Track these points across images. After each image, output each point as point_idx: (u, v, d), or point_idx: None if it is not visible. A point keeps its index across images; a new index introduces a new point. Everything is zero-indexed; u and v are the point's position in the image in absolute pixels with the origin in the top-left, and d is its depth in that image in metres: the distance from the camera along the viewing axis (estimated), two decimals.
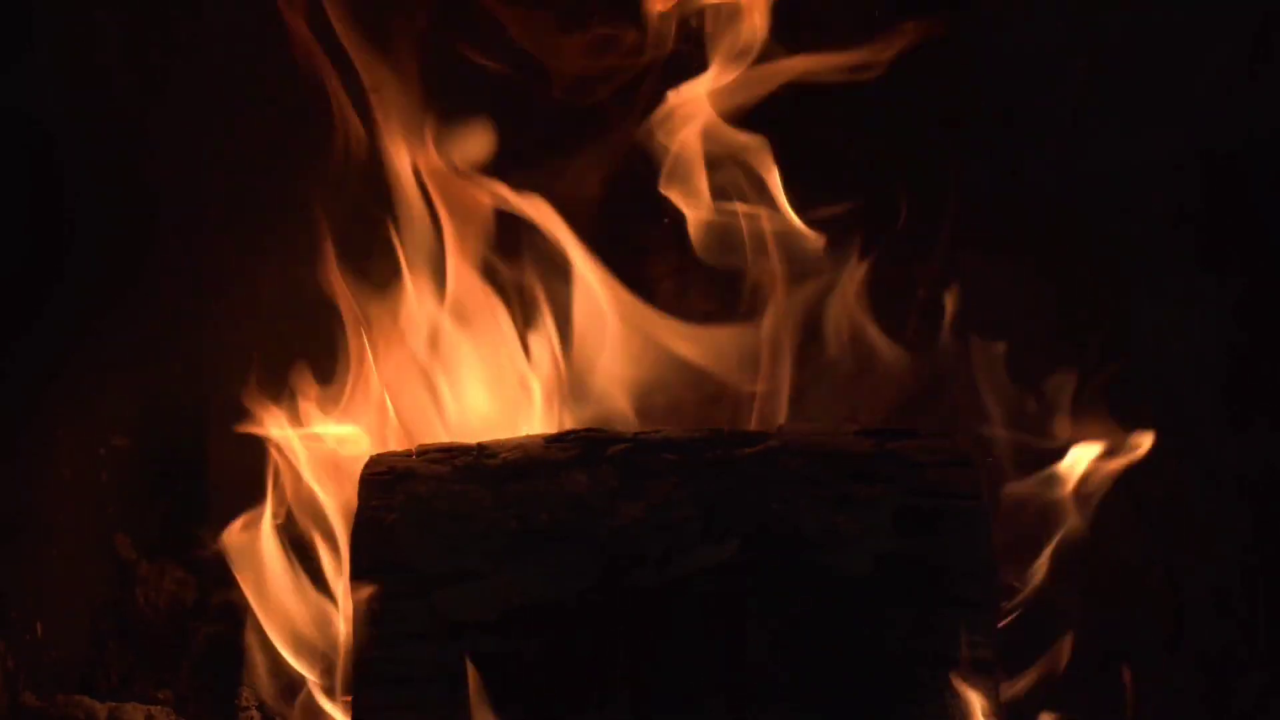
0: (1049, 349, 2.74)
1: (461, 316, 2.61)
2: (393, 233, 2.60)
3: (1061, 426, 2.56)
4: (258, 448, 2.65)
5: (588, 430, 2.36)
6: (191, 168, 2.73)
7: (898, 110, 2.67)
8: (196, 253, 2.75)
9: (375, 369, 2.58)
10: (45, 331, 2.64)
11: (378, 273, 2.63)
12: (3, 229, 2.59)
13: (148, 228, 2.72)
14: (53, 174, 2.64)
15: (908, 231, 2.69)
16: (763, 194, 2.62)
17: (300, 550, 2.59)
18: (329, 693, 2.54)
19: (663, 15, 2.61)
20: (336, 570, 2.53)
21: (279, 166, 2.72)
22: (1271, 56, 2.65)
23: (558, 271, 2.61)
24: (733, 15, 2.60)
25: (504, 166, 2.62)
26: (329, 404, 2.59)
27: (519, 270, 2.62)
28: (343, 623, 2.50)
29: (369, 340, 2.58)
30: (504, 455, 2.30)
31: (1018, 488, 2.50)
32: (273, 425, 2.56)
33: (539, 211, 2.60)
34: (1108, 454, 2.50)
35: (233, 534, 2.55)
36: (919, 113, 2.69)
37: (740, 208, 2.62)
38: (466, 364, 2.60)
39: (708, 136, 2.60)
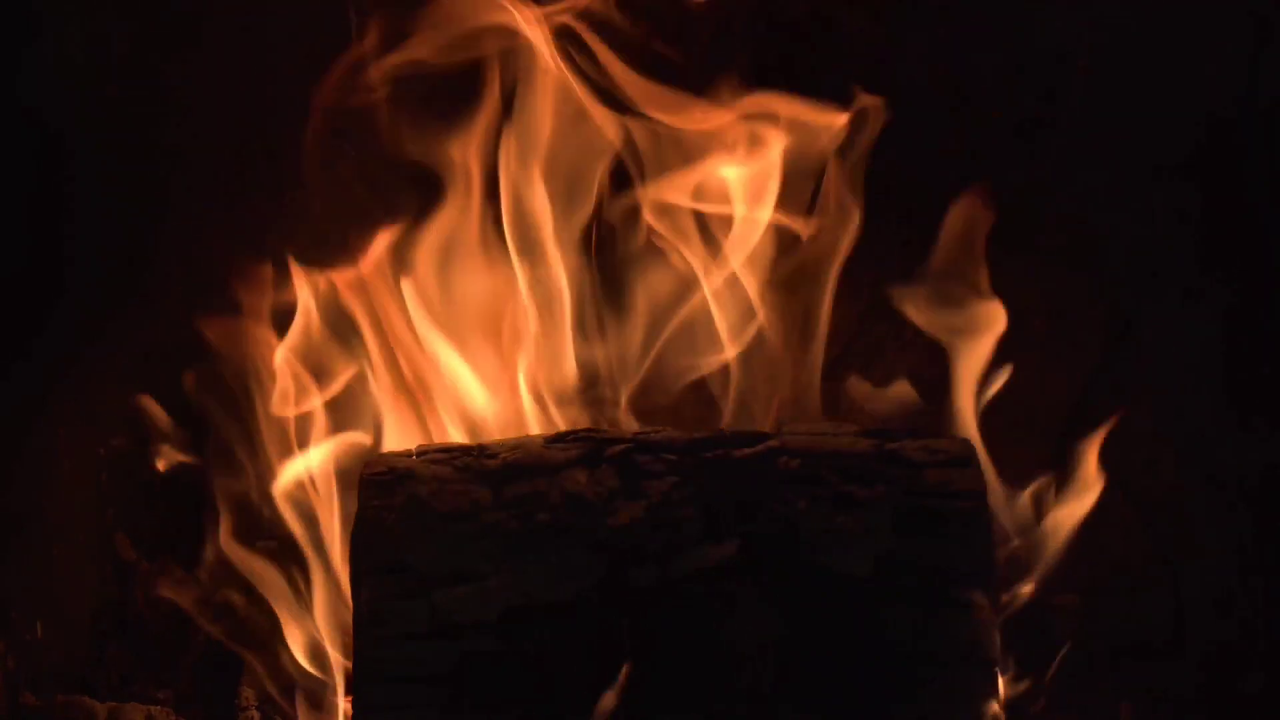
0: (1049, 349, 2.74)
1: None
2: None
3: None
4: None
5: (588, 430, 2.36)
6: (193, 171, 2.73)
7: (898, 110, 2.67)
8: (198, 254, 2.75)
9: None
10: (47, 332, 2.64)
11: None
12: (6, 231, 2.59)
13: (151, 230, 2.72)
14: (56, 177, 2.64)
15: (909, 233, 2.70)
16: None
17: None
18: (330, 692, 2.54)
19: None
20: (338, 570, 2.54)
21: (282, 169, 2.72)
22: (1271, 56, 2.65)
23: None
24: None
25: None
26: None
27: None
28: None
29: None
30: (504, 455, 2.30)
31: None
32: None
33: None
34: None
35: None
36: (919, 113, 2.69)
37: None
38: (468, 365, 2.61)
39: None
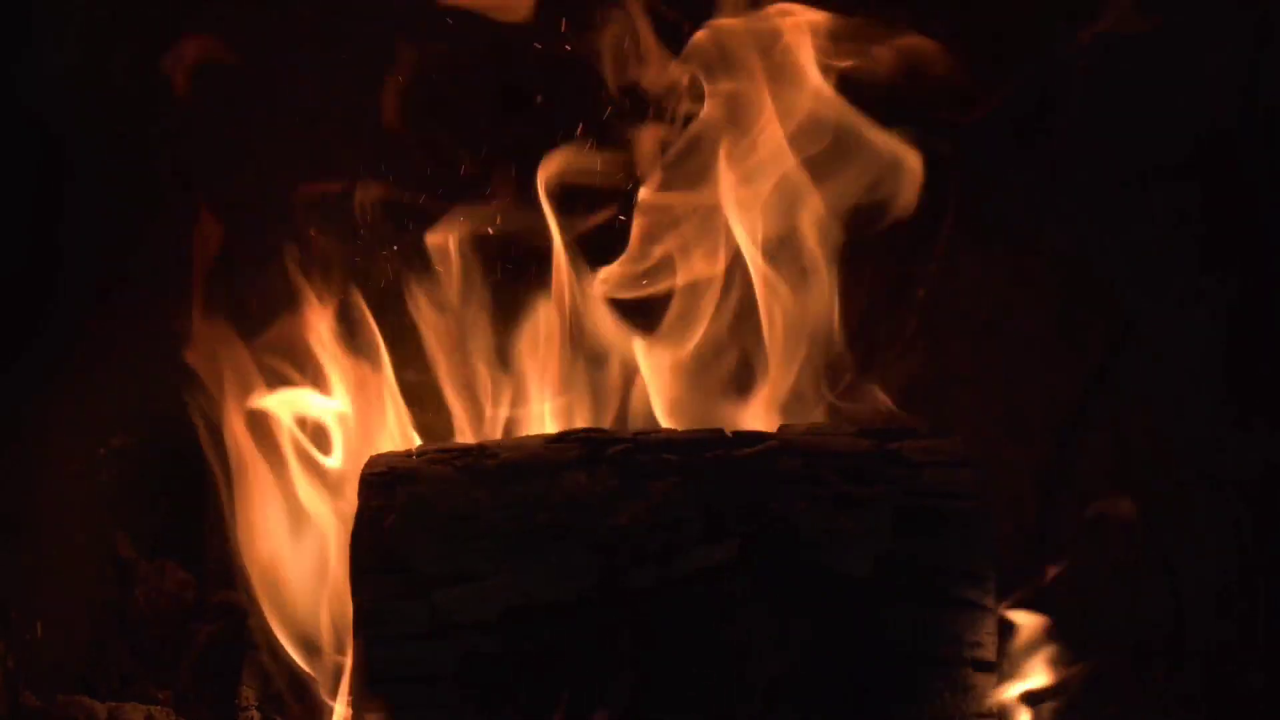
0: (1049, 349, 2.74)
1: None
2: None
3: None
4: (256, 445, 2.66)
5: (588, 430, 2.36)
6: (192, 171, 2.73)
7: (899, 110, 2.67)
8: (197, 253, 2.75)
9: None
10: (46, 332, 2.64)
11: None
12: (6, 231, 2.59)
13: (149, 231, 2.72)
14: (56, 177, 2.64)
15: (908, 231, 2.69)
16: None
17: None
18: (330, 692, 2.54)
19: None
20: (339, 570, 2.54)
21: (278, 169, 2.72)
22: (1271, 56, 2.66)
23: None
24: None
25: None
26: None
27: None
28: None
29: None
30: (504, 455, 2.30)
31: None
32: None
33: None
34: None
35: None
36: (919, 112, 2.69)
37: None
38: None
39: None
